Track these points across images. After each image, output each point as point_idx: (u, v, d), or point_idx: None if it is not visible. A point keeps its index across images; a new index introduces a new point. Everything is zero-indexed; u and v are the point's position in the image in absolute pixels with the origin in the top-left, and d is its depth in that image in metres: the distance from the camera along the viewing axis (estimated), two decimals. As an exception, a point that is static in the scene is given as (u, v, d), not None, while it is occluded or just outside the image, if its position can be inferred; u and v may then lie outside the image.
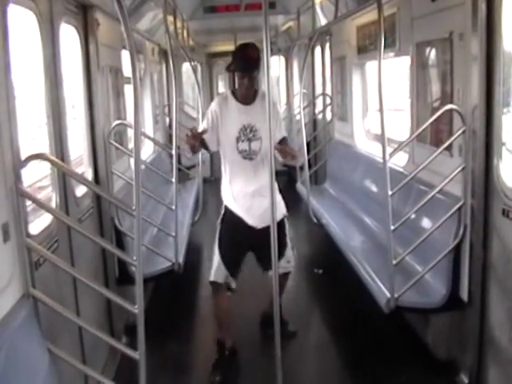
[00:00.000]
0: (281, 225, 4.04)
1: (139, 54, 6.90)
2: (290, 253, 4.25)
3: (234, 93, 4.05)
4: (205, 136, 3.85)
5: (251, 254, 4.20)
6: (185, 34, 7.81)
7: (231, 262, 4.07)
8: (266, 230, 3.73)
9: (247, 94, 3.96)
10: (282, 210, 4.15)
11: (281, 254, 4.03)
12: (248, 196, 3.98)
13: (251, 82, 3.90)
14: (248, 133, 3.92)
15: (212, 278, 4.09)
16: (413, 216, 3.92)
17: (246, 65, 3.85)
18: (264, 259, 4.06)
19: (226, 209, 4.11)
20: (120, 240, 4.23)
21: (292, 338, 4.45)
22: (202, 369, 4.25)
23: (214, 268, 4.07)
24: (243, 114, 3.94)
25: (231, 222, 4.06)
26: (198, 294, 5.63)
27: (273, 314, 3.24)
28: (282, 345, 3.35)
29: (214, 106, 4.02)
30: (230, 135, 3.95)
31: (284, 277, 4.24)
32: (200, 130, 3.88)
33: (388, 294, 3.67)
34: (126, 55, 5.12)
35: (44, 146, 3.25)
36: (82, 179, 3.24)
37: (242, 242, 4.05)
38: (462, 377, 3.65)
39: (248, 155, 3.94)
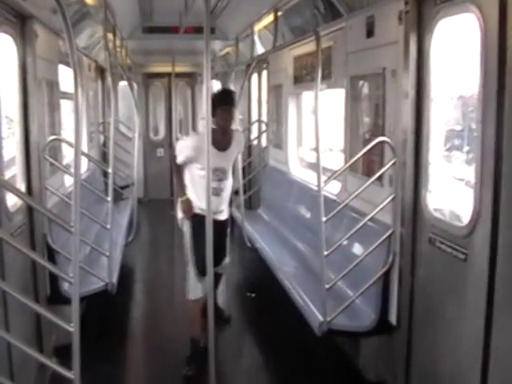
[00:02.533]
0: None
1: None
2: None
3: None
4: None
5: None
6: (123, 53, 7.78)
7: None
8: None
9: (226, 129, 4.43)
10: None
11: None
12: None
13: (231, 115, 4.41)
14: (220, 174, 4.42)
15: (192, 297, 4.42)
16: (345, 242, 4.06)
17: (227, 97, 4.47)
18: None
19: (194, 216, 4.41)
20: (52, 258, 4.12)
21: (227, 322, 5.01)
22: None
23: (191, 286, 4.41)
24: (218, 158, 4.33)
25: (199, 223, 4.11)
26: (131, 314, 5.56)
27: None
28: (215, 365, 3.38)
29: (190, 145, 4.37)
30: (203, 174, 4.16)
31: None
32: (178, 161, 4.44)
33: (320, 318, 3.77)
34: (62, 69, 5.06)
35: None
36: (18, 192, 3.16)
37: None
38: (390, 398, 3.78)
39: (216, 192, 4.36)
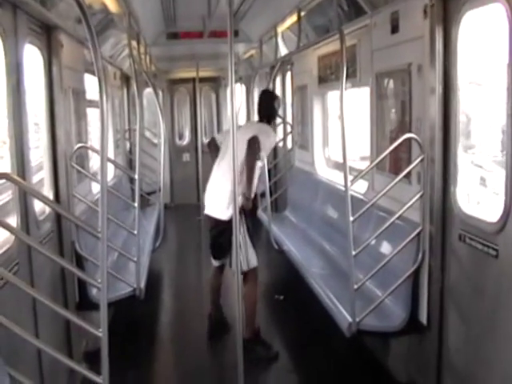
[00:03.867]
0: None
1: (101, 78, 6.86)
2: None
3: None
4: None
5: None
6: (147, 60, 7.84)
7: None
8: None
9: None
10: None
11: None
12: None
13: None
14: None
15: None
16: (373, 242, 4.00)
17: None
18: None
19: None
20: (80, 265, 4.16)
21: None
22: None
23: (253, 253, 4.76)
24: None
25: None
26: (159, 319, 5.58)
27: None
28: (244, 369, 3.37)
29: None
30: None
31: None
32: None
33: (349, 319, 3.72)
34: (88, 78, 5.11)
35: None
36: (46, 200, 3.18)
37: None
38: (421, 399, 3.71)
39: None
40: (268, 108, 5.03)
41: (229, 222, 4.45)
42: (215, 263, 5.02)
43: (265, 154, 4.82)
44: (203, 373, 4.35)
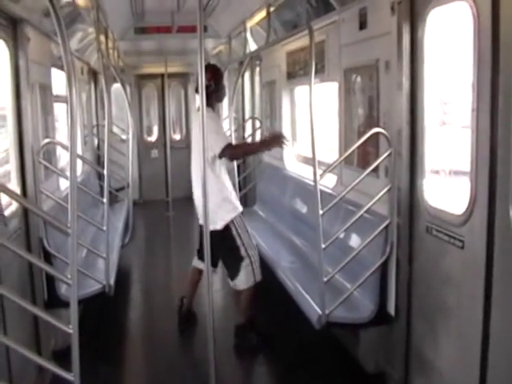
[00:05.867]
0: None
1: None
2: None
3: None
4: None
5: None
6: (115, 55, 7.75)
7: None
8: None
9: None
10: None
11: None
12: None
13: None
14: None
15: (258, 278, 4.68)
16: (342, 235, 4.05)
17: None
18: None
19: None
20: (48, 262, 4.10)
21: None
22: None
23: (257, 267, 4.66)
24: None
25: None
26: (129, 315, 5.55)
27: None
28: (215, 363, 3.39)
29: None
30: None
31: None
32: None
33: (319, 311, 3.76)
34: (54, 72, 5.04)
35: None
36: (15, 196, 3.13)
37: None
38: (390, 389, 3.78)
39: None
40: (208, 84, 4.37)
41: (221, 232, 4.53)
42: (198, 265, 4.98)
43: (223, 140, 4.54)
44: (175, 368, 4.34)
